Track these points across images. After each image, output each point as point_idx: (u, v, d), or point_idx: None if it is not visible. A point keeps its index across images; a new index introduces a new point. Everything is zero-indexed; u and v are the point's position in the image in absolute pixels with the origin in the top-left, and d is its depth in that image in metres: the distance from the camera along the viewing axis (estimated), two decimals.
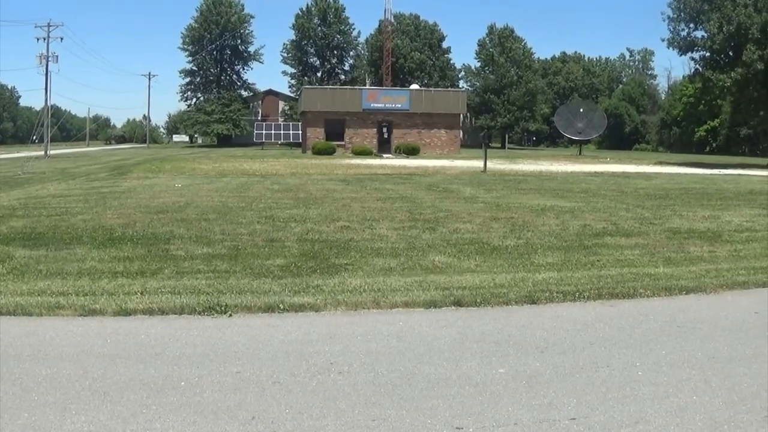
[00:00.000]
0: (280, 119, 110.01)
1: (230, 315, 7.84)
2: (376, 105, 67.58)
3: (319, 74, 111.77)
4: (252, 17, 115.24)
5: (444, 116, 68.80)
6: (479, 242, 12.63)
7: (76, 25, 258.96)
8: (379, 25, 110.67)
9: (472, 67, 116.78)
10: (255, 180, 28.47)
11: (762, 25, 51.45)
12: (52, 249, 11.64)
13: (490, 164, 40.22)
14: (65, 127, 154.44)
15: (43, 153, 65.70)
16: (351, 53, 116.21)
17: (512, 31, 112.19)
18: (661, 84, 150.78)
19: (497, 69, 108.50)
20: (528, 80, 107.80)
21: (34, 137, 76.90)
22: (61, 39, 72.18)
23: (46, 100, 73.15)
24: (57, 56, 71.03)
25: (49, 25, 70.62)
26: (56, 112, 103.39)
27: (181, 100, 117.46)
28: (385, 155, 60.95)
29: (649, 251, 12.14)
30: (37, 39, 70.75)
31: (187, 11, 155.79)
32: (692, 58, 61.06)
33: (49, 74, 70.37)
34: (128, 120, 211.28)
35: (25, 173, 34.99)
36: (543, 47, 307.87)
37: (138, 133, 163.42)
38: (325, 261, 10.67)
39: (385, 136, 67.36)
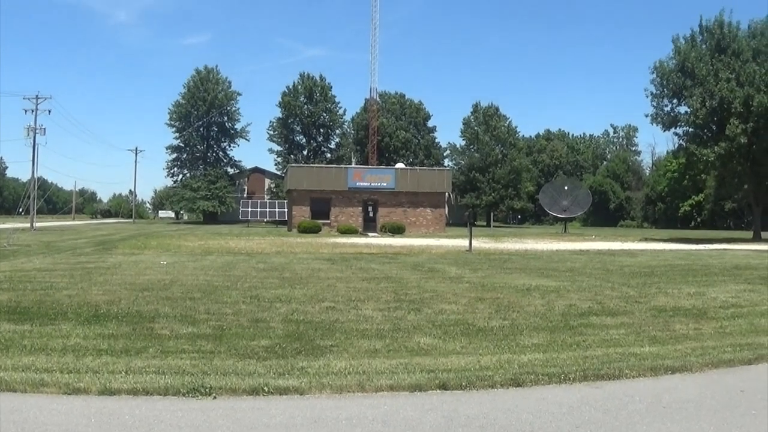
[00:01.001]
0: (266, 197, 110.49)
1: (215, 397, 7.78)
2: (361, 184, 67.95)
3: (305, 152, 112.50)
4: (239, 95, 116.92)
5: (429, 195, 69.21)
6: (464, 323, 12.61)
7: (64, 98, 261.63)
8: (365, 104, 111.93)
9: (457, 146, 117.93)
10: (240, 258, 28.43)
11: (744, 99, 52.34)
12: (37, 324, 11.64)
13: (476, 243, 40.32)
14: (51, 200, 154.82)
15: (29, 225, 65.64)
16: (337, 131, 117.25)
17: (497, 109, 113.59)
18: (646, 160, 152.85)
19: (482, 147, 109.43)
20: (513, 158, 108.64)
21: (21, 209, 76.99)
22: (49, 112, 72.96)
23: (33, 172, 73.52)
24: (44, 129, 71.47)
25: (37, 98, 71.19)
26: (43, 185, 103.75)
27: (168, 175, 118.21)
28: (370, 234, 61.10)
29: (634, 330, 12.15)
30: (25, 111, 71.37)
31: (175, 87, 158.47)
32: (676, 134, 62.36)
33: (36, 147, 70.84)
34: (114, 195, 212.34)
35: (11, 245, 34.81)
36: (527, 125, 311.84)
37: (124, 208, 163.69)
38: (310, 342, 10.63)
39: (371, 214, 67.62)
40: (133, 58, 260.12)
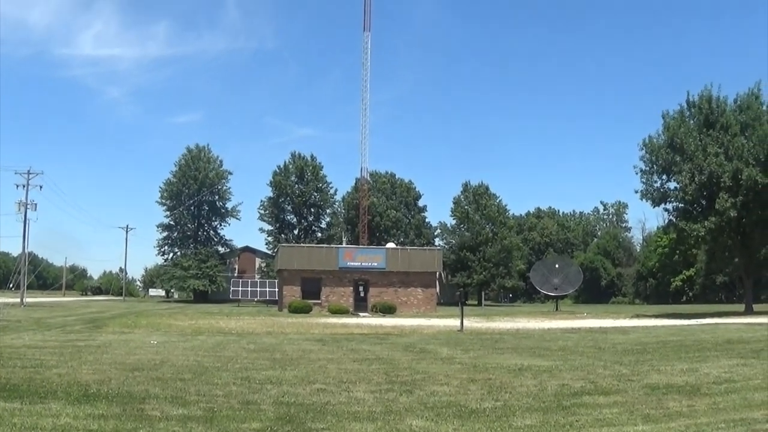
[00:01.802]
0: (257, 276, 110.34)
1: None
2: (352, 264, 67.94)
3: (295, 231, 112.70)
4: (230, 174, 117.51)
5: (420, 275, 69.20)
6: (457, 405, 12.53)
7: (56, 173, 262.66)
8: (356, 184, 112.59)
9: (448, 225, 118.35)
10: (231, 339, 28.27)
11: (733, 173, 52.90)
12: (27, 402, 11.57)
13: (467, 323, 40.16)
14: (42, 276, 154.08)
15: (19, 300, 65.28)
16: (328, 211, 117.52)
17: (487, 188, 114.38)
18: (636, 236, 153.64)
19: (472, 226, 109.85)
20: (503, 237, 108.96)
21: (11, 284, 76.73)
22: (41, 187, 73.00)
23: (23, 247, 73.73)
24: (36, 204, 71.75)
25: (29, 173, 71.51)
26: (33, 260, 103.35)
27: (158, 254, 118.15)
28: (361, 314, 60.85)
29: (627, 409, 12.07)
30: (17, 186, 71.64)
31: (166, 165, 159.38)
32: (666, 209, 62.87)
33: (27, 222, 70.99)
34: (105, 272, 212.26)
35: (0, 321, 34.63)
36: (517, 203, 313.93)
37: (114, 285, 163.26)
38: (301, 425, 10.54)
39: (362, 294, 67.46)
40: (124, 135, 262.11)
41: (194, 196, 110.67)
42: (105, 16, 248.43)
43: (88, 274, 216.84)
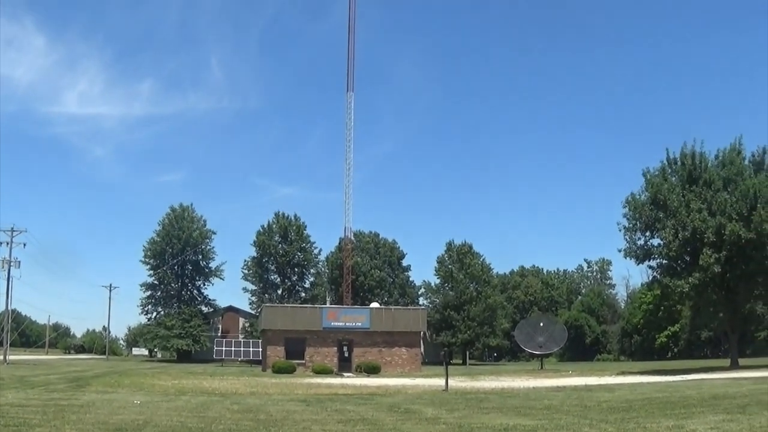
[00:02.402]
0: (240, 336, 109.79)
1: None
2: (336, 323, 67.72)
3: (279, 291, 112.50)
4: (214, 233, 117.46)
5: (404, 334, 68.99)
6: None
7: (40, 231, 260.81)
8: (340, 243, 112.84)
9: (432, 284, 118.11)
10: (215, 399, 28.03)
11: (717, 228, 53.26)
12: None
13: (452, 382, 40.00)
14: (25, 333, 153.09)
15: (2, 358, 64.72)
16: (312, 271, 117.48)
17: (470, 247, 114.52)
18: (620, 293, 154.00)
19: (456, 285, 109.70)
20: (487, 296, 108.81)
21: None
22: (24, 245, 72.98)
23: (7, 305, 73.26)
24: (19, 262, 71.69)
25: (12, 231, 71.50)
26: (17, 318, 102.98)
27: (142, 313, 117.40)
28: (345, 374, 60.50)
29: None
30: (0, 243, 71.24)
31: (150, 224, 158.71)
32: (650, 266, 62.73)
33: (10, 280, 70.78)
34: (88, 330, 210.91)
35: None
36: (501, 262, 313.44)
37: (97, 344, 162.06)
38: None
39: (346, 354, 67.13)
40: (109, 194, 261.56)
41: (178, 255, 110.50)
42: (90, 75, 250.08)
43: (72, 333, 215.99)
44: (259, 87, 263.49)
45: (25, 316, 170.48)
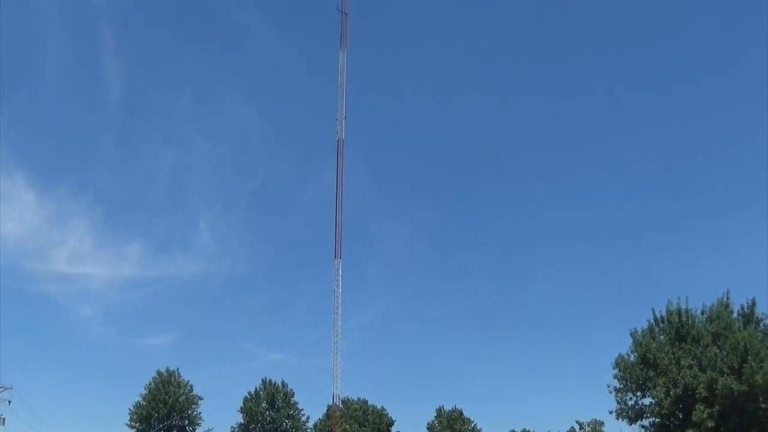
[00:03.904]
0: None
1: None
2: None
3: None
4: (200, 399, 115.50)
5: None
6: None
7: (25, 389, 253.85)
8: (328, 410, 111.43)
9: None
10: None
11: (708, 383, 53.56)
12: None
13: None
14: None
15: None
16: None
17: (461, 413, 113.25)
18: None
19: None
20: None
21: None
22: (9, 402, 72.24)
23: None
24: (4, 419, 70.82)
25: None
26: None
27: None
28: None
29: None
30: None
31: (136, 387, 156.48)
32: (642, 426, 62.20)
33: None
34: None
35: None
36: (492, 426, 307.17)
37: None
38: None
39: None
40: (95, 354, 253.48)
41: (164, 420, 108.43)
42: (79, 233, 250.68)
43: None
44: (248, 251, 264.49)
45: None
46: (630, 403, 60.45)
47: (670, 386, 55.54)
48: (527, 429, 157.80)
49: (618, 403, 60.61)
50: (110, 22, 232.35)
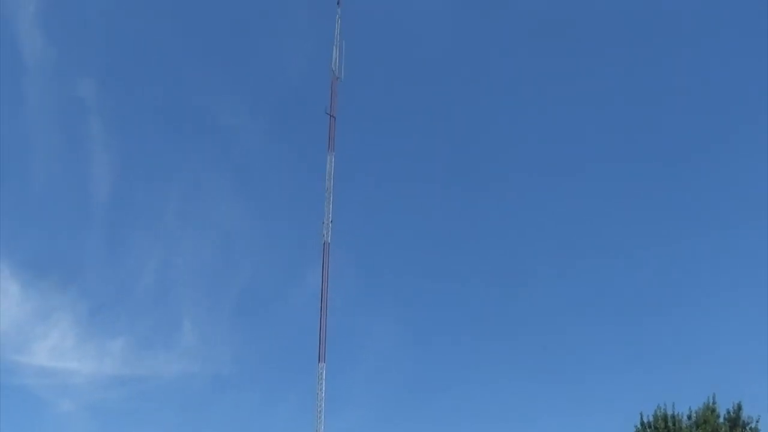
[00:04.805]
0: None
1: None
2: None
3: None
4: None
5: None
6: None
7: None
8: None
9: None
10: None
11: None
12: None
13: None
14: None
15: None
16: None
17: None
18: None
19: None
20: None
21: None
22: None
23: None
24: None
25: None
26: None
27: None
28: None
29: None
30: None
31: None
32: None
33: None
34: None
35: None
36: None
37: None
38: None
39: None
40: None
41: None
42: (62, 328, 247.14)
43: None
44: (232, 353, 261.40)
45: None
46: None
47: None
48: None
49: None
50: (100, 116, 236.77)
